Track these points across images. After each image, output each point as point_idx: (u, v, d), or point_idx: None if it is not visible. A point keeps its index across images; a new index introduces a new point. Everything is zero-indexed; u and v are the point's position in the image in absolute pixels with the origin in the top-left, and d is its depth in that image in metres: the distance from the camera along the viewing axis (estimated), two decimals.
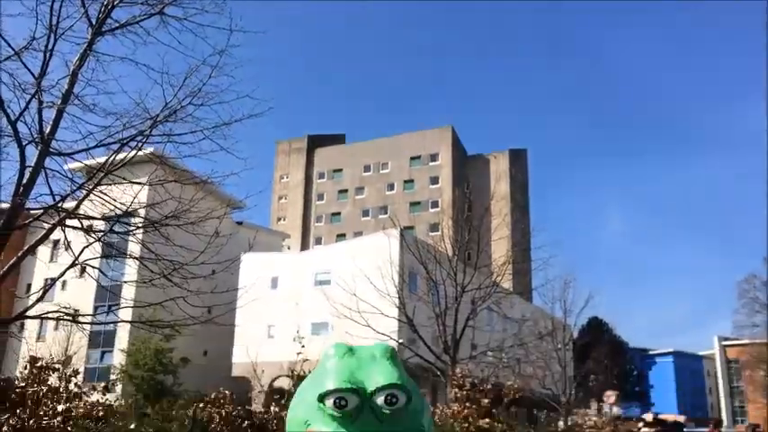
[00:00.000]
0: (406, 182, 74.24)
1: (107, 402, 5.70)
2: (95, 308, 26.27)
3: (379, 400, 1.40)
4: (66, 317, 6.49)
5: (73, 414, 3.48)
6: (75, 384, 5.42)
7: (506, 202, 60.28)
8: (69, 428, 3.31)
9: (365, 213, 74.45)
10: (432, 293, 17.84)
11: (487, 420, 10.01)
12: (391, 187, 74.76)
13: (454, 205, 23.11)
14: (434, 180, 72.53)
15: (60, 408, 3.37)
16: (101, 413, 4.78)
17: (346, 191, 77.25)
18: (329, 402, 1.40)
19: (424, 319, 18.21)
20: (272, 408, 5.75)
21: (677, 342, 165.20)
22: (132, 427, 5.12)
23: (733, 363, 75.08)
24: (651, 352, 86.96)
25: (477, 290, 18.03)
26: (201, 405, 5.04)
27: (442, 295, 17.33)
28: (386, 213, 64.81)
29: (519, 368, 24.41)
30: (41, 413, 2.95)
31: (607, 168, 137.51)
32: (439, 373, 16.57)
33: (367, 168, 76.59)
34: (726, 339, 75.38)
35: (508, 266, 19.98)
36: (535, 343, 24.45)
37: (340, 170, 78.26)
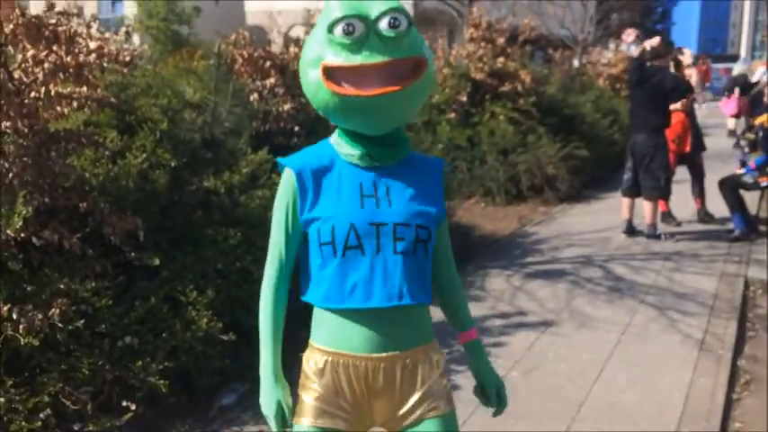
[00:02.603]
0: None
1: (132, 48, 5.86)
2: None
3: (382, 24, 1.52)
4: None
5: (105, 51, 3.63)
6: (97, 30, 5.50)
7: None
8: (105, 65, 3.49)
9: None
10: None
11: (502, 59, 10.15)
12: None
13: None
14: None
15: (93, 45, 3.50)
16: (128, 57, 4.95)
17: None
18: (338, 31, 1.52)
19: None
20: (290, 48, 5.90)
21: None
22: (162, 72, 5.35)
23: None
24: None
25: None
26: (224, 46, 5.18)
27: None
28: None
29: (538, 7, 23.69)
30: (77, 50, 3.09)
31: None
32: (456, 13, 16.22)
33: None
34: None
35: None
36: None
37: None
